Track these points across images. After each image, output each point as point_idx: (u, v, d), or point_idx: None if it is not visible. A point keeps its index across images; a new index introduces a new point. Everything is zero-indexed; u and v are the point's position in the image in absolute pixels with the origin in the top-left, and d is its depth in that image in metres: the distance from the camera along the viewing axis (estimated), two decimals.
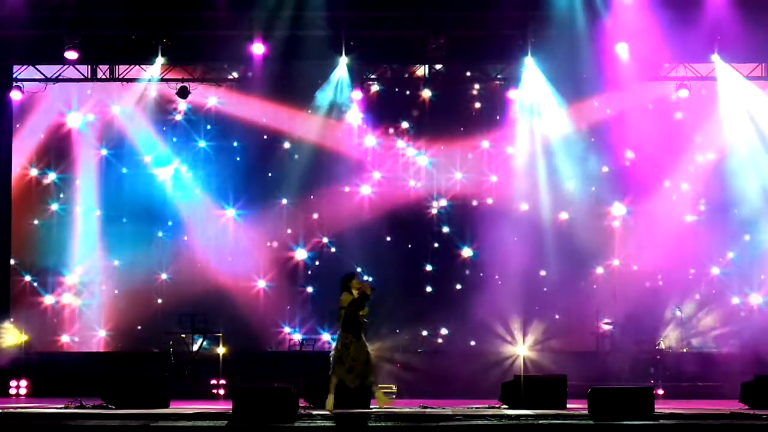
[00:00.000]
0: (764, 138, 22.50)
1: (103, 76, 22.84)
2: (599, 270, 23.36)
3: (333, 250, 23.81)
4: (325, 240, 23.85)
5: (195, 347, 22.09)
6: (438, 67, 23.27)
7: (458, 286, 23.51)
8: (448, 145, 23.92)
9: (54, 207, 23.89)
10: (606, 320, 22.48)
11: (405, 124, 23.96)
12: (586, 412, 14.22)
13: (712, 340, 22.98)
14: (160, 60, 21.97)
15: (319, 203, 23.74)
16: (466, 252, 23.58)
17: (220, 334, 22.06)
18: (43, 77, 22.60)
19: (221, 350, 21.85)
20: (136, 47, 21.82)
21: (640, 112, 22.82)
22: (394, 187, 23.87)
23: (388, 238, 23.43)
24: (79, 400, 16.22)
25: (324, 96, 22.83)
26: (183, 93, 22.32)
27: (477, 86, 23.92)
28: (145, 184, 23.76)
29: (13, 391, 21.04)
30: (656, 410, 14.18)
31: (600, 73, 21.44)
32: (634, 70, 21.48)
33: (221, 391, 20.89)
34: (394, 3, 21.26)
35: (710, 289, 23.26)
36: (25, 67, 22.55)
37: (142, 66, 22.49)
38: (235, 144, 23.93)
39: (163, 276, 23.66)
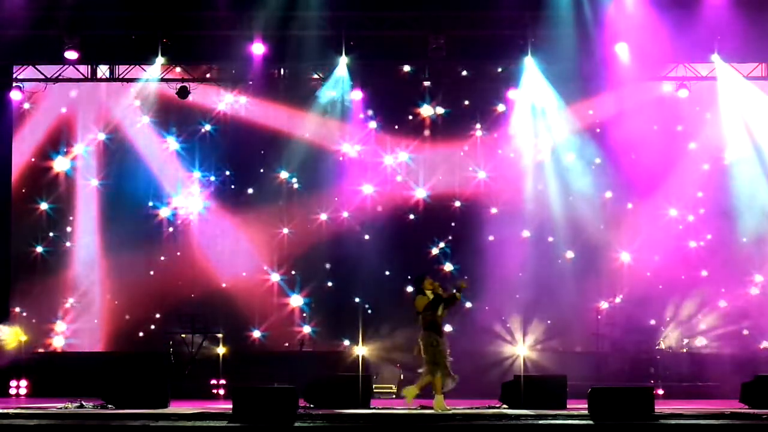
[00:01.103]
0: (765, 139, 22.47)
1: (103, 76, 22.85)
2: (603, 305, 23.20)
3: (330, 284, 23.62)
4: (327, 266, 23.65)
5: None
6: (440, 111, 23.43)
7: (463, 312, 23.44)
8: (448, 177, 23.86)
9: (39, 249, 23.80)
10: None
11: (404, 156, 23.89)
12: (586, 412, 14.23)
13: (712, 339, 22.95)
14: (160, 60, 21.93)
15: (318, 234, 23.61)
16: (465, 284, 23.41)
17: (220, 335, 22.05)
18: (43, 77, 22.59)
19: (221, 350, 21.83)
20: (136, 47, 21.79)
21: (642, 120, 22.77)
22: (393, 218, 23.74)
23: (387, 272, 23.18)
24: (79, 400, 16.26)
25: (324, 96, 22.81)
26: (183, 93, 22.26)
27: (478, 124, 23.85)
28: (140, 215, 23.61)
29: (13, 391, 21.03)
30: (656, 410, 14.19)
31: (600, 73, 21.43)
32: (634, 70, 21.45)
33: (221, 391, 20.87)
34: (394, 3, 21.25)
35: (719, 323, 23.01)
36: (25, 67, 22.54)
37: (142, 66, 22.48)
38: (228, 173, 23.92)
39: (157, 315, 23.54)
